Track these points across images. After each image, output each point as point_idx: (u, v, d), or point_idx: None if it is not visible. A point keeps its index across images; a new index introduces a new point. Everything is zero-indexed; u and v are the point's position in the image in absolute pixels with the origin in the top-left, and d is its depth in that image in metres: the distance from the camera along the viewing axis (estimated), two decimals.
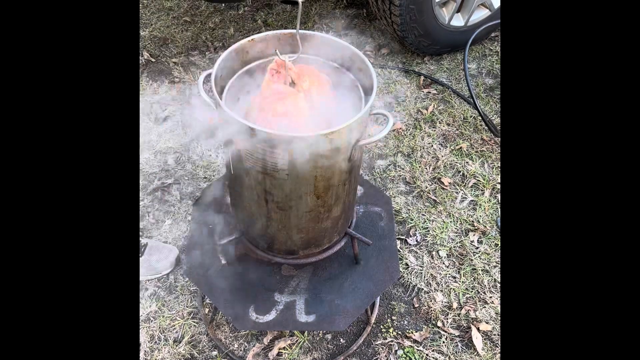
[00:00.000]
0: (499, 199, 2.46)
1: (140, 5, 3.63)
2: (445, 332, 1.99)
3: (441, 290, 2.12)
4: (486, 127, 2.81)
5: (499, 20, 3.05)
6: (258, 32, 1.45)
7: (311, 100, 1.34)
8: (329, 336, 1.96)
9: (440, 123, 2.85)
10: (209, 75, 1.34)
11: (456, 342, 1.96)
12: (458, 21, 3.13)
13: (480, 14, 3.18)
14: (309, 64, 1.46)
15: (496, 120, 2.88)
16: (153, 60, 3.20)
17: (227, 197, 1.88)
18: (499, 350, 1.95)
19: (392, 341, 1.95)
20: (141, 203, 2.37)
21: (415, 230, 2.32)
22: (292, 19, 3.56)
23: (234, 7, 3.65)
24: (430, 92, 3.06)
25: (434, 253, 2.24)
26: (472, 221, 2.36)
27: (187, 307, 2.02)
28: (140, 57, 3.21)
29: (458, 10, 3.11)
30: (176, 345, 1.91)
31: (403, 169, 2.59)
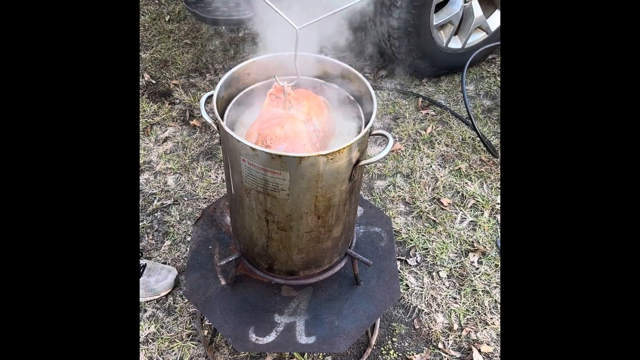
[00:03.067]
0: (499, 220, 2.46)
1: (142, 27, 3.68)
2: (447, 353, 1.97)
3: (442, 312, 2.10)
4: (485, 148, 2.83)
5: (496, 43, 3.09)
6: (257, 56, 1.47)
7: (310, 123, 1.35)
8: (329, 358, 1.94)
9: (439, 144, 2.87)
10: (211, 96, 1.35)
11: None
12: (456, 44, 3.18)
13: (478, 36, 3.23)
14: (308, 85, 1.48)
15: (494, 141, 2.90)
16: (153, 82, 3.23)
17: (227, 218, 1.88)
18: None
19: None
20: (140, 224, 2.37)
21: (415, 251, 2.32)
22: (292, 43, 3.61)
23: (234, 30, 3.70)
24: (428, 114, 3.09)
25: (434, 274, 2.23)
26: (472, 242, 2.36)
27: (186, 329, 2.00)
28: (140, 79, 3.24)
29: (455, 33, 3.15)
30: None
31: (402, 189, 2.59)
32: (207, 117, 1.34)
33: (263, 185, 1.26)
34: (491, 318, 2.08)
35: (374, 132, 1.37)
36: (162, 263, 2.19)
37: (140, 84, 3.21)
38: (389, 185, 2.62)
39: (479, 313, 2.10)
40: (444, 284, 2.20)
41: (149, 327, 2.00)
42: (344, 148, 1.18)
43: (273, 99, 1.33)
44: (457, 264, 2.27)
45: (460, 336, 2.03)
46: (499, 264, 2.27)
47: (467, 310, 2.11)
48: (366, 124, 1.35)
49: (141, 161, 2.68)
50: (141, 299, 2.07)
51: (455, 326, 2.06)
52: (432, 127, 2.97)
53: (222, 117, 1.37)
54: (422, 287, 2.18)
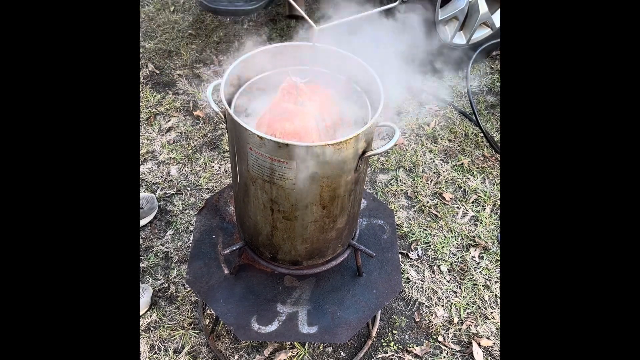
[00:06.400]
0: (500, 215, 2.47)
1: (146, 18, 3.67)
2: (446, 347, 1.98)
3: (442, 305, 2.12)
4: (487, 144, 2.83)
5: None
6: (262, 46, 1.47)
7: (321, 120, 1.35)
8: (329, 349, 1.95)
9: (441, 139, 2.87)
10: (218, 85, 1.35)
11: (457, 357, 1.96)
12: (460, 39, 3.18)
13: (482, 32, 3.23)
14: (317, 75, 1.48)
15: (497, 137, 2.91)
16: (158, 72, 3.23)
17: (231, 208, 1.88)
18: None
19: (393, 355, 1.95)
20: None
21: (417, 245, 2.32)
22: (296, 34, 3.60)
23: (238, 22, 3.70)
24: (432, 109, 3.09)
25: (435, 268, 2.24)
26: (474, 237, 2.37)
27: (187, 317, 2.01)
28: (145, 69, 3.24)
29: (460, 29, 3.15)
30: (176, 356, 1.90)
31: (405, 183, 2.60)
32: (214, 106, 1.34)
33: (269, 174, 1.27)
34: (491, 312, 2.09)
35: (381, 123, 1.37)
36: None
37: (144, 74, 3.21)
38: (391, 179, 2.62)
39: (479, 307, 2.11)
40: (444, 278, 2.21)
41: (150, 315, 2.01)
42: (350, 138, 1.19)
43: (285, 93, 1.33)
44: (458, 258, 2.28)
45: (460, 330, 2.04)
46: (500, 259, 2.28)
47: (468, 304, 2.12)
48: (373, 114, 1.35)
49: (144, 151, 2.68)
50: None
51: (456, 320, 2.07)
52: (435, 122, 2.98)
53: (229, 106, 1.38)
54: (423, 281, 2.19)
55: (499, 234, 2.37)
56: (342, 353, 1.95)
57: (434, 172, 2.67)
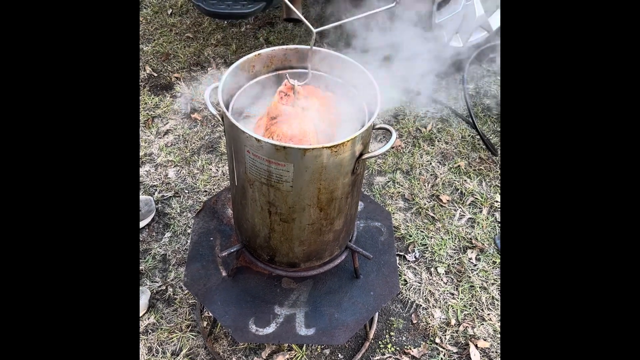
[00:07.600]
0: (497, 217, 2.48)
1: (144, 20, 3.68)
2: (444, 348, 1.99)
3: (439, 307, 2.12)
4: (484, 146, 2.85)
5: (497, 42, 3.11)
6: (260, 49, 1.47)
7: (319, 123, 1.36)
8: (327, 351, 1.96)
9: (438, 141, 2.88)
10: (215, 88, 1.36)
11: (454, 359, 1.96)
12: (457, 42, 3.19)
13: (479, 35, 3.24)
14: (315, 78, 1.49)
15: (494, 139, 2.92)
16: (155, 74, 3.24)
17: (229, 210, 1.89)
18: None
19: (390, 357, 1.95)
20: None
21: (414, 247, 2.33)
22: (293, 37, 3.62)
23: (236, 24, 3.70)
24: (429, 111, 3.10)
25: (432, 269, 2.25)
26: (470, 238, 2.38)
27: (185, 319, 2.01)
28: (142, 72, 3.24)
29: (457, 32, 3.16)
30: (174, 358, 1.90)
31: (402, 185, 2.61)
32: (212, 109, 1.35)
33: (267, 177, 1.28)
34: (488, 314, 2.10)
35: (377, 126, 1.38)
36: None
37: (142, 76, 3.21)
38: (388, 182, 2.63)
39: (476, 309, 2.12)
40: (442, 280, 2.22)
41: (148, 318, 2.01)
42: (348, 141, 1.20)
43: (282, 96, 1.33)
44: (455, 260, 2.29)
45: (457, 331, 2.05)
46: (497, 260, 2.29)
47: (465, 306, 2.13)
48: (370, 117, 1.36)
49: (142, 153, 2.68)
50: None
51: (453, 321, 2.07)
52: (432, 125, 2.99)
53: (227, 108, 1.38)
54: (420, 283, 2.20)
55: (497, 237, 2.38)
56: (339, 355, 1.95)
57: (431, 175, 2.68)
